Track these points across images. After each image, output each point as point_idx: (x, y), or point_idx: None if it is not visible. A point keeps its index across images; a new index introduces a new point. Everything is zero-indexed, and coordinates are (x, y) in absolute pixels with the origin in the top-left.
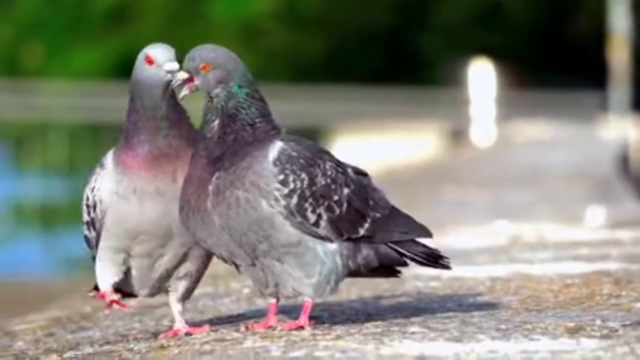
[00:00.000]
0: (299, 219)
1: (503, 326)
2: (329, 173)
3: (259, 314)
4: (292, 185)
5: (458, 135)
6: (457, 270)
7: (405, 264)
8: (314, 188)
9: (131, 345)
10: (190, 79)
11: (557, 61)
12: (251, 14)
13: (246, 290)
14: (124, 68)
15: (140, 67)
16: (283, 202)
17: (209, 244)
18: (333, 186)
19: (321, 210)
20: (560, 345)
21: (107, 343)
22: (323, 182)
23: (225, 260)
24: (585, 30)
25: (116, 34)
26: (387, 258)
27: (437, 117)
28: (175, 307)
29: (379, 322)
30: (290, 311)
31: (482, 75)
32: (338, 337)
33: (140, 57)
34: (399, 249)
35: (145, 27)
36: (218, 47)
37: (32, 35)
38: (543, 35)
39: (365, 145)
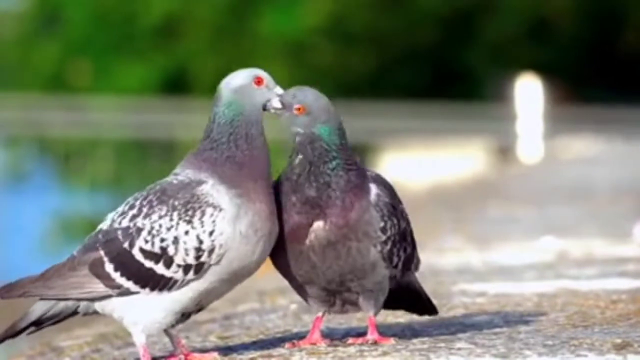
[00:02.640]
0: (387, 262)
1: (550, 342)
2: (403, 215)
3: (306, 330)
4: (389, 232)
5: (505, 151)
6: (504, 286)
7: (420, 298)
8: (399, 232)
9: None
10: (281, 109)
11: (605, 76)
12: (298, 30)
13: (293, 306)
14: (171, 84)
15: (249, 87)
16: (379, 248)
17: (288, 269)
18: (407, 228)
19: (401, 252)
20: None
21: (153, 359)
22: (403, 226)
23: (290, 280)
24: (634, 45)
25: (163, 50)
26: (408, 288)
27: (484, 133)
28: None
29: (425, 338)
30: (334, 327)
31: (529, 91)
32: (385, 353)
33: (246, 75)
34: (417, 282)
35: (192, 43)
36: (320, 95)
37: (79, 52)
38: (591, 50)
39: (412, 161)
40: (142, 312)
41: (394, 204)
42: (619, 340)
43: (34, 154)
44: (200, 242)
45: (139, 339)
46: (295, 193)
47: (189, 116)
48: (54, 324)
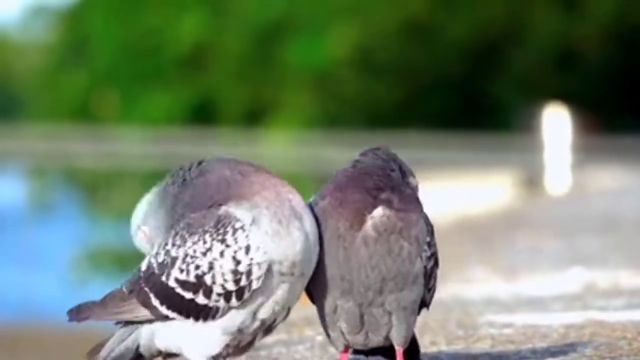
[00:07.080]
0: (427, 280)
1: None
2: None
3: None
4: (432, 249)
5: (532, 182)
6: (531, 318)
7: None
8: (437, 252)
9: None
10: None
11: (634, 106)
12: (325, 60)
13: (320, 338)
14: (198, 115)
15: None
16: (424, 263)
17: (327, 275)
18: (437, 251)
19: (435, 277)
20: None
21: None
22: (436, 253)
23: (324, 294)
24: None
25: (190, 81)
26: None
27: (511, 163)
28: None
29: None
30: None
31: (556, 121)
32: None
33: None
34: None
35: (218, 74)
36: None
37: (106, 83)
38: (619, 79)
39: (439, 192)
40: (197, 340)
41: (431, 223)
42: None
43: (61, 185)
44: (237, 262)
45: None
46: (362, 178)
47: (216, 147)
48: None
